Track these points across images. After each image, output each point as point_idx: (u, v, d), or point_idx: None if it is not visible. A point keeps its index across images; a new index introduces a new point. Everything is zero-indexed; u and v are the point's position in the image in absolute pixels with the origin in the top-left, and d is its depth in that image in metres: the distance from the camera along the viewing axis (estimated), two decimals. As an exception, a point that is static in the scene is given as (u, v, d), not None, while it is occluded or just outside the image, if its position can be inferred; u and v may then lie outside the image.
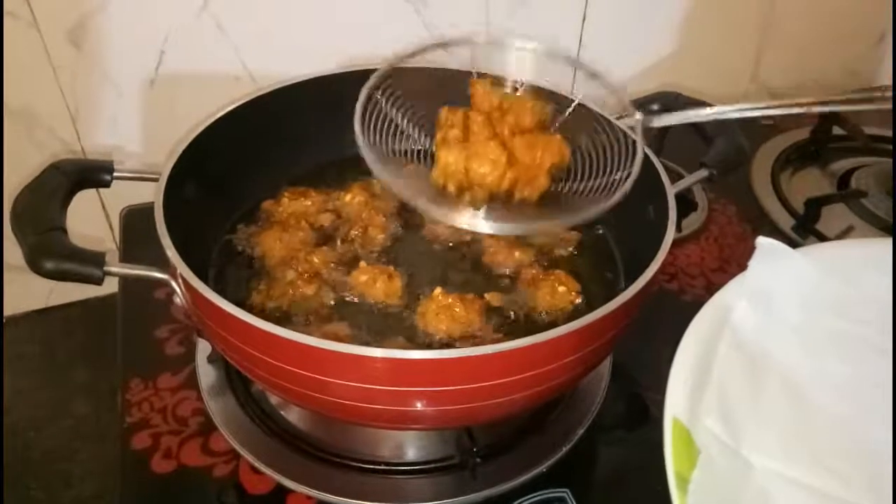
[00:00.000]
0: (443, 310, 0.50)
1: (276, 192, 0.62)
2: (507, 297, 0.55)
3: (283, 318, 0.52)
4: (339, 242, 0.59)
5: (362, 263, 0.55)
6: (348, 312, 0.53)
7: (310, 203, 0.61)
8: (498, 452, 0.53)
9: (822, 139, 0.93)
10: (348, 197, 0.62)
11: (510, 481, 0.51)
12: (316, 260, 0.56)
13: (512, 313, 0.54)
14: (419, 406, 0.43)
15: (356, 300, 0.54)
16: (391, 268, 0.55)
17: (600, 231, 0.63)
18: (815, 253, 0.58)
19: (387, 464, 0.52)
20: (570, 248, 0.61)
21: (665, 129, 0.83)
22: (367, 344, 0.48)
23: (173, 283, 0.46)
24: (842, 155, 0.92)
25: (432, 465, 0.52)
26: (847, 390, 0.50)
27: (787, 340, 0.53)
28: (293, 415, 0.55)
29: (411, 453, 0.53)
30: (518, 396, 0.45)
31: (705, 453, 0.43)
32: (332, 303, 0.54)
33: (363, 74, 0.53)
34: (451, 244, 0.60)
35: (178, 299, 0.46)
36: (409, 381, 0.41)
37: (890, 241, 0.59)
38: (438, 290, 0.52)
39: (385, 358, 0.39)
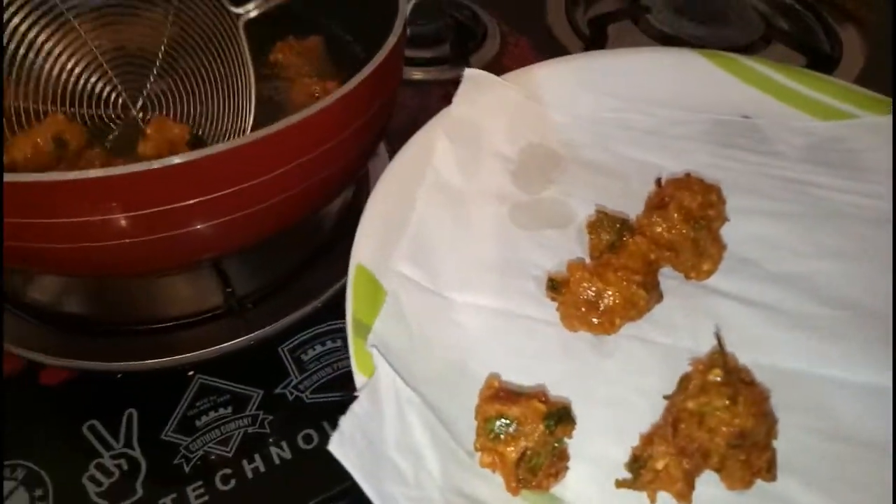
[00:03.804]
0: None
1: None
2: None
3: None
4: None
5: None
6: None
7: None
8: (271, 294, 0.52)
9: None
10: None
11: (283, 319, 0.51)
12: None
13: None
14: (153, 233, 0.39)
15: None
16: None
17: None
18: (523, 79, 0.56)
19: (151, 322, 0.50)
20: None
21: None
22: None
23: None
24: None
25: (199, 317, 0.51)
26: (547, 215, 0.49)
27: (494, 171, 0.51)
28: (45, 293, 0.52)
29: (176, 309, 0.51)
30: (259, 209, 0.42)
31: (393, 296, 0.42)
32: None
33: None
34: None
35: None
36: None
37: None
38: None
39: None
